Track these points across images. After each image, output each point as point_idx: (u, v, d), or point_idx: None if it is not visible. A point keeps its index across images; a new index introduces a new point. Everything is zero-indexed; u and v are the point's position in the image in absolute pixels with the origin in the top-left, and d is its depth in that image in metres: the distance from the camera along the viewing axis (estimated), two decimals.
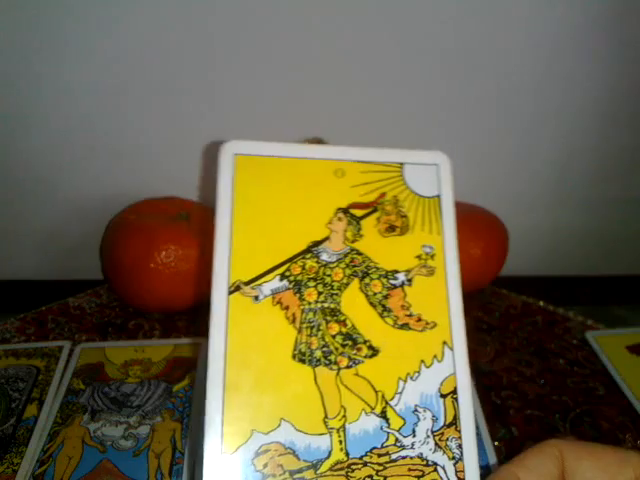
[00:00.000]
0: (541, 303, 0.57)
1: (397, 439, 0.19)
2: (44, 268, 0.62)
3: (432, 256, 0.21)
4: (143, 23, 0.52)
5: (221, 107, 0.57)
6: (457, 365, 0.20)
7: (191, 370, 0.45)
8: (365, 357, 0.19)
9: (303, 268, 0.20)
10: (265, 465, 0.17)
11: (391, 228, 0.21)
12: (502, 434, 0.41)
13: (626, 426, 0.42)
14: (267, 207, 0.20)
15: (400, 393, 0.19)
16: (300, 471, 0.18)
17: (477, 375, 0.46)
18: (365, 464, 0.18)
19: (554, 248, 0.68)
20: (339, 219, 0.21)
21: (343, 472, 0.18)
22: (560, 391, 0.46)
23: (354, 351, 0.19)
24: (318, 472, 0.18)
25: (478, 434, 0.40)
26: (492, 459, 0.38)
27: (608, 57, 0.57)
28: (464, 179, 0.62)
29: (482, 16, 0.54)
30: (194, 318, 0.53)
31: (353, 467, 0.18)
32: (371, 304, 0.20)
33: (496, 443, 0.40)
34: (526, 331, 0.53)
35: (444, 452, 0.19)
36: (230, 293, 0.20)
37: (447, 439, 0.20)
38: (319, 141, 0.59)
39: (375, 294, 0.20)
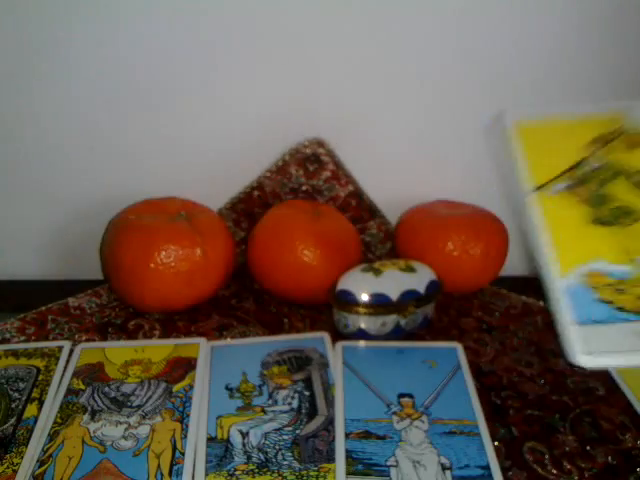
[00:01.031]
0: (541, 303, 0.57)
1: None
2: (44, 268, 0.62)
3: None
4: (144, 25, 0.52)
5: (221, 108, 0.57)
6: None
7: (191, 370, 0.46)
8: None
9: (580, 173, 0.33)
10: (589, 280, 0.28)
11: (634, 145, 0.33)
12: (502, 434, 0.41)
13: (626, 426, 0.42)
14: (547, 143, 0.34)
15: None
16: (613, 285, 0.29)
17: (477, 375, 0.46)
18: None
19: None
20: (594, 142, 0.33)
21: None
22: (560, 391, 0.46)
23: (631, 217, 0.31)
24: (625, 284, 0.29)
25: (478, 434, 0.40)
26: (492, 459, 0.38)
27: (608, 57, 0.57)
28: (465, 180, 0.63)
29: (484, 20, 0.54)
30: (194, 318, 0.53)
31: None
32: (636, 186, 0.32)
33: (496, 443, 0.40)
34: (526, 331, 0.53)
35: None
36: (535, 190, 0.32)
37: None
38: (319, 142, 0.59)
39: (637, 180, 0.32)
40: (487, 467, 0.38)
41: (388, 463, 0.38)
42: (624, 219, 0.30)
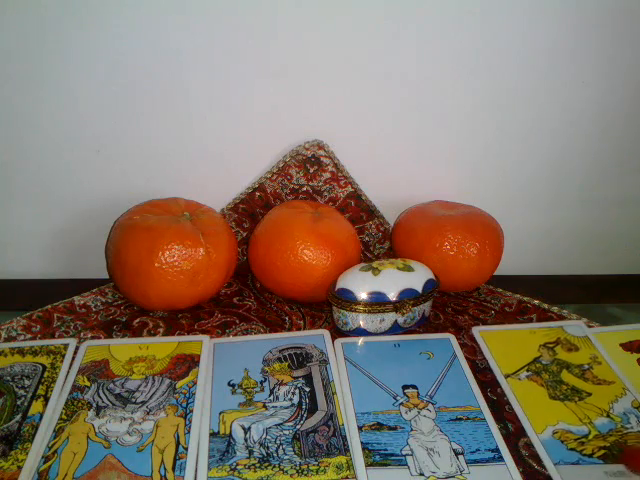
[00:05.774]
0: (536, 302, 0.57)
1: None
2: (50, 268, 0.63)
3: (596, 359, 0.48)
4: (147, 28, 0.53)
5: (223, 109, 0.57)
6: None
7: (194, 367, 0.46)
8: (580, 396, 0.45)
9: (535, 367, 0.47)
10: (558, 436, 0.41)
11: (570, 349, 0.49)
12: (498, 429, 0.42)
13: None
14: (507, 349, 0.50)
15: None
16: (578, 439, 0.41)
17: (473, 372, 0.47)
18: None
19: (549, 248, 0.69)
20: (543, 347, 0.50)
21: None
22: None
23: (578, 396, 0.45)
24: (585, 439, 0.41)
25: (483, 419, 0.42)
26: (500, 442, 0.40)
27: (604, 61, 0.58)
28: (461, 181, 0.63)
29: (481, 21, 0.55)
30: (197, 316, 0.54)
31: None
32: (576, 376, 0.46)
33: None
34: None
35: None
36: (506, 377, 0.47)
37: None
38: (319, 144, 0.59)
39: (576, 372, 0.47)
40: (497, 450, 0.39)
41: (403, 452, 0.39)
42: (573, 397, 0.44)
